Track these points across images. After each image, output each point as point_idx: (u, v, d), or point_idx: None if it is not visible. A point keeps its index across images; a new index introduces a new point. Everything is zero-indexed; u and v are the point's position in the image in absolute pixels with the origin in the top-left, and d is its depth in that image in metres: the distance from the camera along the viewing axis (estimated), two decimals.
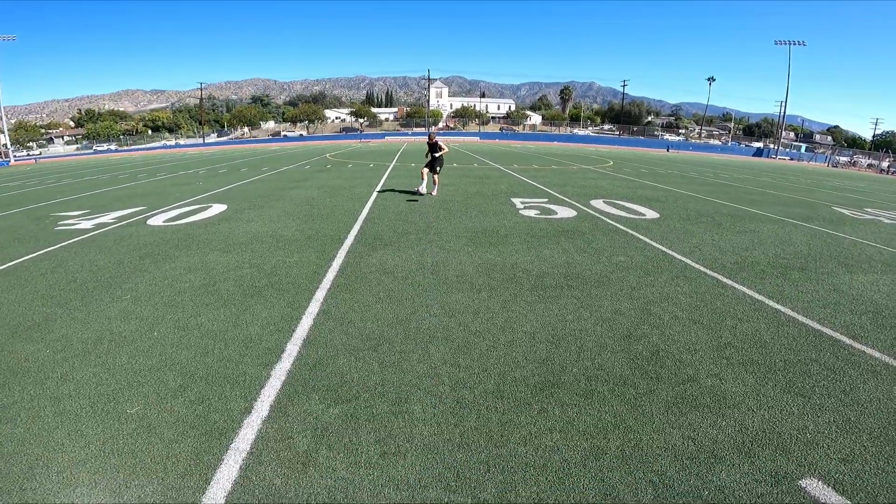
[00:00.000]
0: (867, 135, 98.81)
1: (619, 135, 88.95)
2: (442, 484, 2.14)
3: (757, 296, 4.71)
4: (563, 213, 9.05)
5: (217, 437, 2.46)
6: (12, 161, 50.05)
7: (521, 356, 3.34)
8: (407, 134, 77.21)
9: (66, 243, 6.97)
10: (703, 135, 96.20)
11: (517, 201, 10.27)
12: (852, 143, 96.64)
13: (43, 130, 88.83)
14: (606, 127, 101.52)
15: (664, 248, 6.44)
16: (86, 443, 2.42)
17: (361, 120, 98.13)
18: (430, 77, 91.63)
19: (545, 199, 10.70)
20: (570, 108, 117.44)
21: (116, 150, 65.63)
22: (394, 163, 22.03)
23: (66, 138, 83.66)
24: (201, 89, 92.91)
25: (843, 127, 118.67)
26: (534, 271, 5.27)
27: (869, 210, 12.08)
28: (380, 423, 2.59)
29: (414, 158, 23.79)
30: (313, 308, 4.16)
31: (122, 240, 7.07)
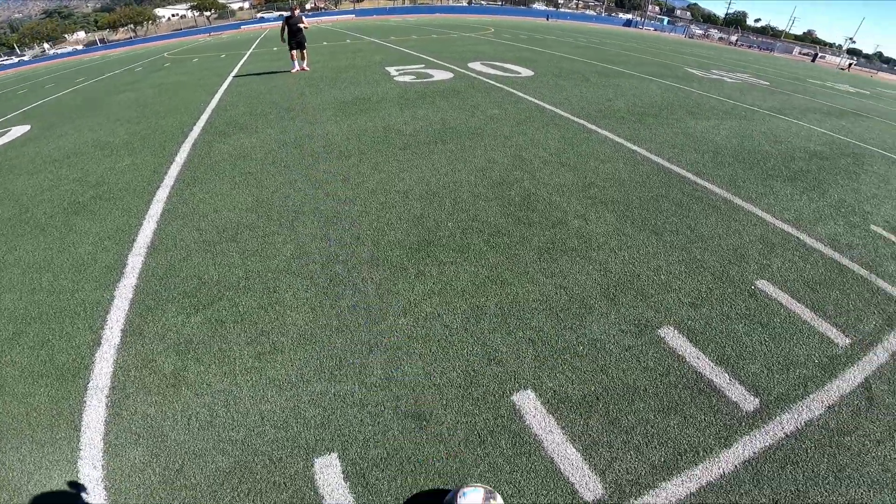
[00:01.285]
0: (721, 13, 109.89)
1: (501, 5, 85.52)
2: (325, 375, 2.05)
3: (616, 138, 5.00)
4: (440, 76, 8.65)
5: (71, 378, 2.12)
6: None
7: (394, 217, 3.23)
8: (269, 20, 65.87)
9: None
10: (579, 6, 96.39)
11: (392, 69, 9.56)
12: (707, 19, 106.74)
13: None
14: None
15: (536, 101, 6.49)
16: None
17: (208, 13, 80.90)
18: None
19: (421, 66, 10.07)
20: None
21: None
22: (252, 50, 18.88)
23: None
24: None
25: (701, 5, 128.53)
26: (407, 131, 5.04)
27: (715, 71, 13.18)
28: (249, 321, 2.37)
29: (276, 42, 20.62)
30: (155, 210, 3.58)
31: None
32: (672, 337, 2.29)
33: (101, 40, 70.58)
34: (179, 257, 2.93)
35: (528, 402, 1.91)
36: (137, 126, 6.50)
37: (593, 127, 5.37)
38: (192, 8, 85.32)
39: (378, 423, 1.83)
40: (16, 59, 62.16)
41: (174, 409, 1.93)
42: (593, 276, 2.72)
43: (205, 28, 64.96)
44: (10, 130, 7.78)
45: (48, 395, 2.05)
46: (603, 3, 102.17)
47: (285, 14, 10.25)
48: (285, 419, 1.86)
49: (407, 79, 8.35)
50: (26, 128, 7.79)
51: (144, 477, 1.66)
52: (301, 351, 2.18)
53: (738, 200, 3.79)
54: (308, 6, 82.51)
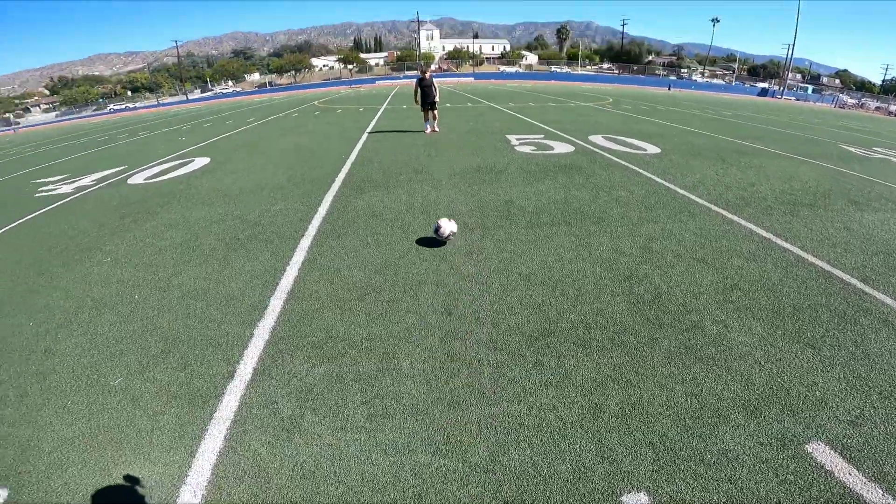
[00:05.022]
0: (877, 79, 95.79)
1: (619, 73, 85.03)
2: (431, 447, 2.02)
3: (763, 233, 4.49)
4: (560, 148, 8.67)
5: (200, 405, 2.34)
6: None
7: (515, 301, 3.18)
8: (398, 77, 73.83)
9: (46, 209, 6.67)
10: (706, 74, 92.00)
11: (512, 138, 9.84)
12: (861, 86, 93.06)
13: (17, 101, 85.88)
14: (606, 66, 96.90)
15: (666, 183, 6.16)
16: (73, 420, 2.31)
17: (350, 66, 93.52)
18: (420, 19, 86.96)
19: (541, 136, 10.23)
20: (568, 48, 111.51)
21: (127, 109, 63.69)
22: (385, 106, 21.11)
23: (42, 106, 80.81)
24: (177, 47, 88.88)
25: (852, 71, 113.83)
26: (529, 208, 5.03)
27: (878, 150, 11.47)
28: (366, 382, 2.45)
29: (406, 100, 22.77)
30: (298, 258, 3.97)
31: (103, 202, 6.76)
32: (821, 452, 2.00)
33: (270, 83, 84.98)
34: (313, 308, 3.16)
35: None
36: (291, 172, 7.46)
37: (734, 217, 4.89)
38: (339, 60, 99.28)
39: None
40: (209, 93, 77.25)
41: (283, 454, 2.01)
42: (732, 387, 2.41)
43: (347, 80, 74.63)
44: (194, 161, 9.46)
45: (176, 417, 2.27)
46: (733, 72, 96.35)
47: (418, 75, 11.07)
48: (384, 484, 1.85)
49: (527, 149, 8.51)
50: (207, 160, 9.41)
51: None
52: (412, 420, 2.18)
53: None
54: (433, 67, 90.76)
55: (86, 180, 8.68)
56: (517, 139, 9.69)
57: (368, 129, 12.11)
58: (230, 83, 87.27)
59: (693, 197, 5.57)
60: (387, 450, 2.02)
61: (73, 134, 22.23)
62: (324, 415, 2.23)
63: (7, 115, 68.45)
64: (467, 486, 1.84)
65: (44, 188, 8.47)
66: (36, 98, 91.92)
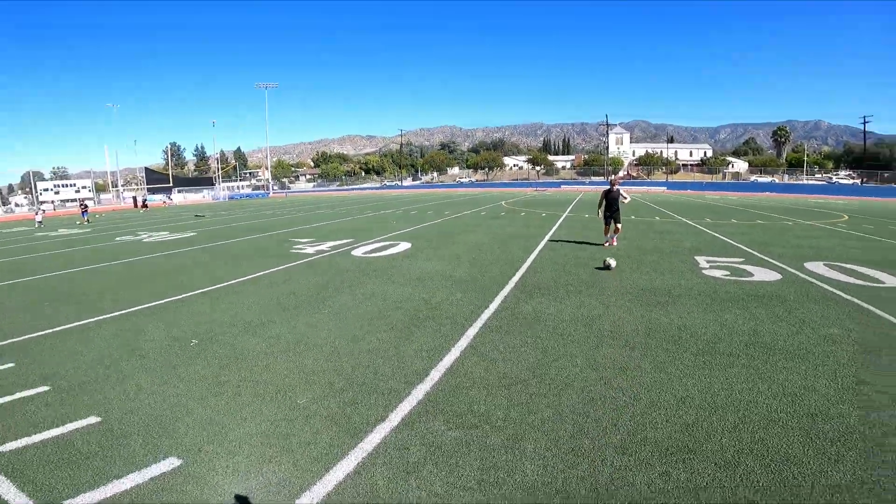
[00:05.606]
0: None
1: (861, 182, 68.83)
2: None
3: None
4: (762, 275, 7.61)
5: (352, 434, 2.96)
6: (271, 194, 67.31)
7: (661, 418, 3.04)
8: (584, 183, 74.95)
9: (295, 263, 9.25)
10: None
11: (701, 259, 9.04)
12: None
13: (293, 168, 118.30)
14: (842, 174, 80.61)
15: None
16: (261, 420, 3.17)
17: (538, 168, 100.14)
18: (609, 122, 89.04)
19: (740, 259, 9.12)
20: (789, 152, 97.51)
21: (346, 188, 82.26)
22: (567, 213, 21.79)
23: (307, 176, 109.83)
24: (401, 136, 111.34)
25: None
26: (705, 336, 4.65)
27: None
28: (489, 453, 2.72)
29: (589, 209, 23.11)
30: (463, 343, 4.55)
31: (332, 265, 8.97)
32: None
33: (468, 178, 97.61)
34: (464, 385, 3.62)
35: None
36: (472, 268, 8.45)
37: None
38: (528, 161, 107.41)
39: None
40: (418, 182, 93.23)
41: (396, 490, 2.41)
42: None
43: (534, 182, 79.97)
44: (398, 244, 11.58)
45: (330, 438, 2.89)
46: None
47: (606, 187, 10.93)
48: None
49: (718, 273, 7.73)
50: (408, 245, 11.43)
51: None
52: (517, 494, 2.36)
53: None
54: (621, 174, 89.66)
55: (324, 245, 11.69)
56: (707, 261, 8.87)
57: (548, 237, 12.68)
58: (435, 174, 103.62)
59: None
60: None
61: (322, 204, 29.97)
62: (442, 468, 2.57)
63: (284, 179, 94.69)
64: None
65: (296, 246, 11.73)
66: (304, 168, 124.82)
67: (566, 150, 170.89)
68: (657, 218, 19.16)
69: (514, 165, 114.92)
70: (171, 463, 2.67)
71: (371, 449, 2.80)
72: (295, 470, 2.60)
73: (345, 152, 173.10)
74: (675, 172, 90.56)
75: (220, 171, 68.61)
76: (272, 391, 3.62)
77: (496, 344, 4.50)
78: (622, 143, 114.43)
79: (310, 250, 10.92)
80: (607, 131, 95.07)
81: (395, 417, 3.16)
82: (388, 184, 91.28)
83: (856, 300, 5.97)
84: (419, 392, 3.53)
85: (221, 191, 62.98)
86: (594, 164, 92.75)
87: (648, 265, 8.46)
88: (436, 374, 3.84)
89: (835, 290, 6.53)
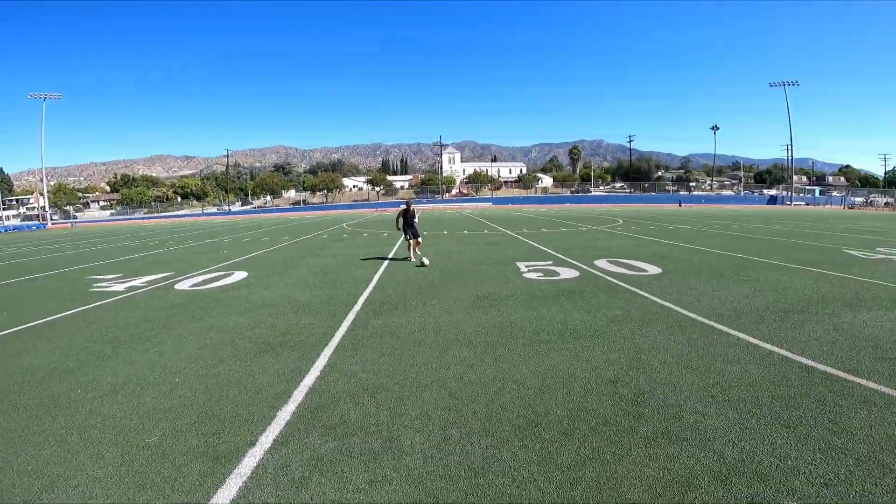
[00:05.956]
0: (879, 171, 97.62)
1: (631, 192, 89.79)
2: None
3: (751, 339, 4.85)
4: (566, 273, 9.34)
5: (223, 463, 2.77)
6: (49, 224, 53.56)
7: (508, 401, 3.58)
8: (422, 201, 79.71)
9: (100, 303, 7.62)
10: (714, 186, 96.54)
11: (522, 265, 10.58)
12: (865, 181, 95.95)
13: (80, 194, 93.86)
14: (618, 185, 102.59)
15: (662, 302, 6.66)
16: (104, 464, 2.77)
17: (378, 189, 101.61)
18: (443, 143, 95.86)
19: (549, 262, 11.01)
20: (581, 168, 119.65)
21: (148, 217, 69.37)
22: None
23: (101, 203, 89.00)
24: (227, 157, 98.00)
25: (855, 166, 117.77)
26: (529, 329, 5.52)
27: (881, 249, 12.27)
28: (370, 455, 2.85)
29: (429, 226, 24.71)
30: (320, 363, 4.50)
31: (153, 301, 7.67)
32: None
33: (304, 201, 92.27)
34: (330, 401, 3.63)
35: None
36: (319, 291, 8.24)
37: (724, 328, 5.26)
38: (368, 182, 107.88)
39: None
40: (249, 207, 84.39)
41: (298, 500, 2.40)
42: (703, 462, 2.68)
43: (374, 203, 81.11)
44: (233, 274, 10.52)
45: (199, 471, 2.68)
46: (741, 181, 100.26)
47: (402, 206, 11.82)
48: None
49: (535, 276, 9.18)
50: (244, 274, 10.46)
51: None
52: (407, 485, 2.53)
53: None
54: (453, 192, 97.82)
55: (137, 281, 9.80)
56: (526, 266, 10.43)
57: (390, 256, 13.14)
58: (269, 198, 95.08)
59: (686, 312, 6.02)
60: None
61: (125, 235, 24.42)
62: (330, 477, 2.62)
63: (69, 207, 75.38)
64: None
65: (98, 284, 9.61)
66: (97, 193, 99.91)
67: (404, 170, 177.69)
68: (485, 231, 21.74)
69: (354, 186, 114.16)
70: None
71: (249, 472, 2.66)
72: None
73: (154, 174, 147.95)
74: (499, 189, 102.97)
75: None
76: (109, 435, 3.11)
77: (354, 359, 4.58)
78: (454, 163, 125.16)
79: (118, 287, 9.10)
80: (441, 151, 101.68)
81: (266, 440, 3.03)
82: (209, 210, 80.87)
83: (630, 287, 7.84)
84: (286, 413, 3.43)
85: None
86: (430, 183, 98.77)
87: (482, 274, 9.54)
88: (299, 395, 3.75)
89: (616, 281, 8.45)
